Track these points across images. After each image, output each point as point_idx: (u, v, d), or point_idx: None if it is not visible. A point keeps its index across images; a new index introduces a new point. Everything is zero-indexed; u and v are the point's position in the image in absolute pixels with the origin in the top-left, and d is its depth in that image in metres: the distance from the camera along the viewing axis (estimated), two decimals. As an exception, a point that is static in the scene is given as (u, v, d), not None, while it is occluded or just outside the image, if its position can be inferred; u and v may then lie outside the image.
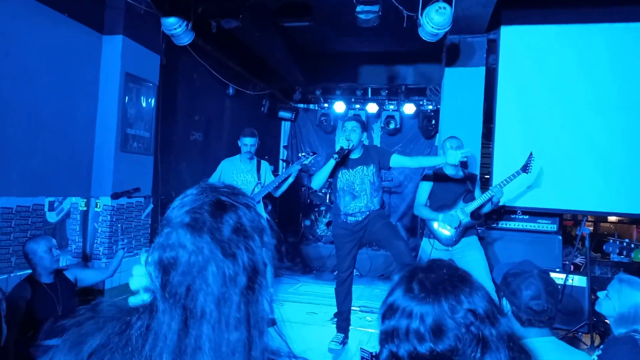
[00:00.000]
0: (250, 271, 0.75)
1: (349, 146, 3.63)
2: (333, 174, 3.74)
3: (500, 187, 3.77)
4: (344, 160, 3.71)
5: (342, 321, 3.91)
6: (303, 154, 4.42)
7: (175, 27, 4.26)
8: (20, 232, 3.48)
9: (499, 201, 3.81)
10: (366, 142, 3.89)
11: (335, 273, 4.11)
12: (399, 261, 3.82)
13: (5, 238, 3.31)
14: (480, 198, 3.83)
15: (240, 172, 4.52)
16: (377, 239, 4.00)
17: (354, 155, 3.78)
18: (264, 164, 4.60)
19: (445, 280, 0.85)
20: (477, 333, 0.80)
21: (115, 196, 4.01)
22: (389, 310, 0.88)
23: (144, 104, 4.50)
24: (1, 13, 3.21)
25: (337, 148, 3.66)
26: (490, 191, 3.80)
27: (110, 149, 4.14)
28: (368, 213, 3.82)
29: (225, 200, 0.79)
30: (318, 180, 3.76)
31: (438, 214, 3.88)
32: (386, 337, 0.86)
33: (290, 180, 4.43)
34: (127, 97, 4.24)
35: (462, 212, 3.83)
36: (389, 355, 0.86)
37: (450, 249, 3.95)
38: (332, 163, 3.65)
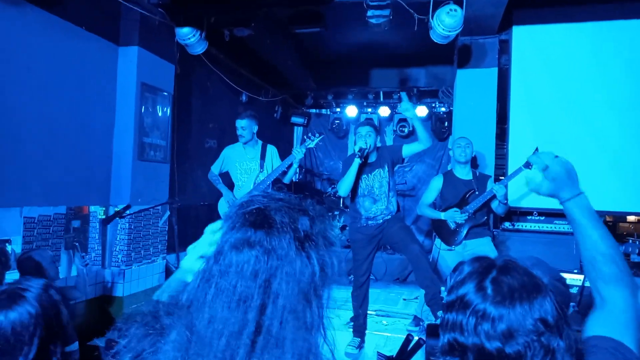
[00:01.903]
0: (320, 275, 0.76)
1: (367, 147, 3.63)
2: (356, 178, 3.71)
3: (501, 184, 3.77)
4: (362, 166, 3.71)
5: (359, 325, 3.92)
6: (308, 135, 4.19)
7: (189, 37, 4.33)
8: (42, 241, 3.56)
9: (505, 198, 3.79)
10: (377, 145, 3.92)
11: (351, 277, 4.11)
12: (415, 265, 3.83)
13: (28, 247, 3.39)
14: (480, 197, 3.85)
15: (243, 159, 4.40)
16: (393, 242, 4.01)
17: (370, 159, 3.81)
18: (270, 149, 4.42)
19: (522, 286, 0.86)
20: (546, 344, 0.82)
21: (106, 221, 3.90)
22: (459, 303, 0.89)
23: (159, 113, 4.57)
24: (21, 27, 3.31)
25: (357, 149, 3.65)
26: (491, 189, 3.82)
27: (128, 158, 4.21)
28: (390, 216, 3.85)
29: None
30: (345, 185, 3.72)
31: (440, 212, 3.94)
32: (453, 327, 0.88)
33: (295, 165, 4.23)
34: (143, 107, 4.32)
35: (461, 215, 3.86)
36: (450, 343, 0.88)
37: (454, 248, 3.98)
38: (357, 163, 3.62)
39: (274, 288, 0.71)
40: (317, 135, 4.17)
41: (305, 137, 4.25)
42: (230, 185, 4.59)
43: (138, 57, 4.23)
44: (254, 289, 0.70)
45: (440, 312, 3.32)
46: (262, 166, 4.34)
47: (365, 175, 3.79)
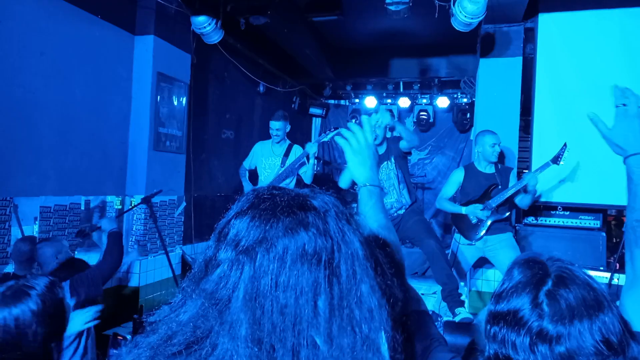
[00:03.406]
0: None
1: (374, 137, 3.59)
2: None
3: (534, 174, 3.63)
4: None
5: (454, 295, 3.84)
6: (325, 130, 4.28)
7: (204, 25, 4.28)
8: (59, 231, 3.58)
9: (535, 190, 3.65)
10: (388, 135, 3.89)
11: None
12: (431, 260, 3.75)
13: (45, 237, 3.41)
14: (506, 191, 3.72)
15: (269, 155, 4.51)
16: (410, 236, 3.94)
17: (379, 152, 3.76)
18: (295, 148, 4.48)
19: (581, 302, 0.77)
20: None
21: (145, 200, 3.76)
22: (511, 317, 0.81)
23: (175, 103, 4.55)
24: (36, 15, 3.30)
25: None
26: (523, 179, 3.67)
27: (144, 148, 4.20)
28: (404, 209, 3.77)
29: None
30: (345, 179, 3.67)
31: (461, 207, 3.83)
32: (503, 342, 0.81)
33: (312, 161, 4.25)
34: (159, 96, 4.30)
35: (483, 212, 3.75)
36: (501, 358, 0.81)
37: (475, 243, 3.87)
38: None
39: (335, 267, 0.65)
40: (332, 129, 4.18)
41: (322, 132, 4.34)
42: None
43: (154, 46, 4.20)
44: (319, 272, 0.64)
45: (460, 309, 3.22)
46: (283, 162, 4.40)
47: None
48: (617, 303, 1.92)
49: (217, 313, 0.64)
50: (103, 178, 3.99)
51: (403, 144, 3.78)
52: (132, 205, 4.05)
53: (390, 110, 3.82)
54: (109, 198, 4.17)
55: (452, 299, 3.71)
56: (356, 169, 1.18)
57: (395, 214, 3.79)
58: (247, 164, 4.67)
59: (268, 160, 4.50)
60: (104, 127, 3.96)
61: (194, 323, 0.65)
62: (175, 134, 4.58)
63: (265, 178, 4.47)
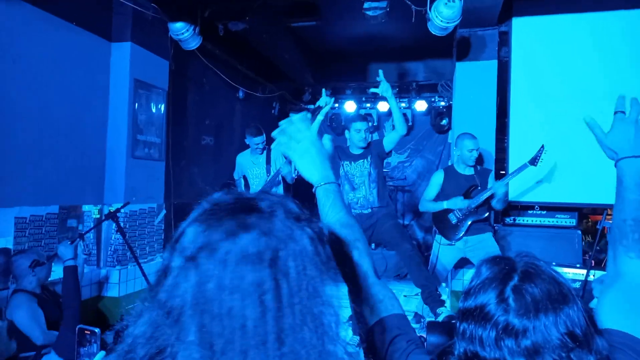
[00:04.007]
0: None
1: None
2: (337, 165, 3.89)
3: (502, 183, 3.72)
4: (348, 155, 3.97)
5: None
6: None
7: (182, 31, 4.25)
8: (35, 242, 3.50)
9: (505, 196, 3.75)
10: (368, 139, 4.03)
11: None
12: (407, 264, 3.81)
13: (20, 248, 3.33)
14: (482, 193, 3.80)
15: (251, 166, 4.76)
16: (385, 240, 4.03)
17: (358, 151, 3.96)
18: (274, 151, 4.67)
19: (546, 296, 0.78)
20: None
21: (110, 215, 3.56)
22: (478, 313, 0.81)
23: (154, 110, 4.50)
24: (10, 23, 3.23)
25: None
26: (491, 188, 3.76)
27: (122, 156, 4.15)
28: (371, 209, 3.85)
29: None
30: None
31: (442, 202, 3.90)
32: (471, 338, 0.81)
33: (286, 169, 4.53)
34: (137, 103, 4.25)
35: (464, 201, 3.86)
36: (468, 356, 0.81)
37: (455, 244, 3.94)
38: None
39: (280, 266, 0.64)
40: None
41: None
42: None
43: (131, 52, 4.15)
44: (263, 272, 0.63)
45: (441, 309, 3.26)
46: (268, 171, 4.66)
47: (348, 162, 3.97)
48: (594, 300, 1.97)
49: (171, 322, 0.64)
50: (81, 187, 3.92)
51: (393, 135, 3.90)
52: (95, 223, 3.91)
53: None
54: (86, 207, 4.09)
55: (433, 299, 3.75)
56: (306, 170, 1.10)
57: (360, 212, 3.89)
58: (236, 174, 4.95)
59: (253, 171, 4.75)
60: (81, 135, 3.89)
61: (151, 334, 0.65)
62: (154, 141, 4.53)
63: (256, 187, 4.70)
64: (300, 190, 5.50)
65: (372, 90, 3.62)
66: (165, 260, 0.70)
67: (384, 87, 3.67)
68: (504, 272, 0.83)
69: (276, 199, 0.73)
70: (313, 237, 0.69)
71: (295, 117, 1.13)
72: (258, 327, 0.61)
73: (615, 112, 1.16)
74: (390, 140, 3.91)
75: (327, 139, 1.28)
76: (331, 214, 1.09)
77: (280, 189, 4.65)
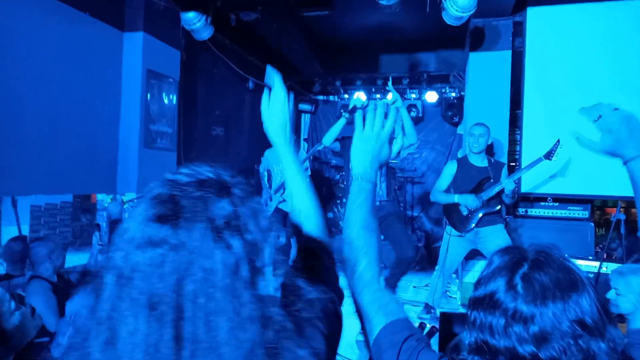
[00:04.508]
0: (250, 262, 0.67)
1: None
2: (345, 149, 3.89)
3: (511, 180, 3.70)
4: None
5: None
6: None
7: (194, 21, 4.24)
8: (50, 230, 3.54)
9: (513, 193, 3.73)
10: None
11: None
12: (400, 265, 3.92)
13: (35, 235, 3.36)
14: (495, 187, 3.78)
15: (278, 162, 4.83)
16: (392, 239, 4.07)
17: None
18: (301, 154, 5.03)
19: (555, 283, 0.78)
20: (585, 347, 0.75)
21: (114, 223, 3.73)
22: (487, 301, 0.82)
23: (165, 100, 4.51)
24: (22, 12, 3.24)
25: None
26: (500, 182, 3.75)
27: (135, 146, 4.16)
28: (380, 202, 3.93)
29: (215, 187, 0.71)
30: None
31: (454, 195, 3.89)
32: (481, 327, 0.81)
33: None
34: (149, 94, 4.25)
35: (475, 199, 3.82)
36: (479, 345, 0.81)
37: (465, 235, 3.93)
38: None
39: (189, 288, 0.62)
40: (320, 144, 4.61)
41: (306, 138, 4.94)
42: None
43: (143, 43, 4.15)
44: (165, 292, 0.61)
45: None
46: None
47: None
48: (612, 291, 1.95)
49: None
50: (94, 176, 3.94)
51: (398, 143, 3.85)
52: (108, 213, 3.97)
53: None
54: (99, 196, 4.12)
55: (394, 281, 3.94)
56: (356, 156, 1.11)
57: None
58: (262, 168, 5.19)
59: (279, 166, 4.93)
60: (94, 125, 3.90)
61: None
62: (165, 131, 4.54)
63: (279, 181, 4.98)
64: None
65: (383, 101, 3.65)
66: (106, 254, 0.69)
67: (394, 97, 3.69)
68: (514, 261, 0.83)
69: (204, 196, 0.68)
70: (232, 256, 0.65)
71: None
72: (151, 354, 0.60)
73: (594, 121, 1.12)
74: (396, 147, 3.94)
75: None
76: (357, 211, 1.09)
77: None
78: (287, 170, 1.09)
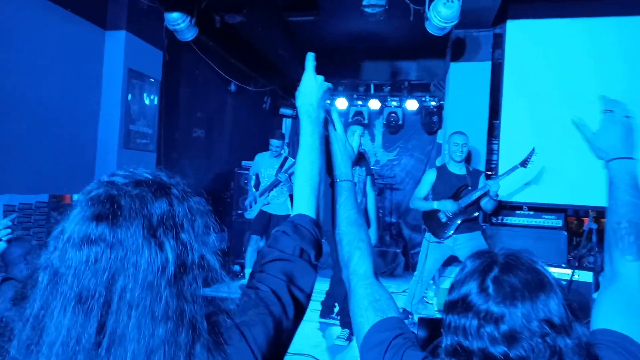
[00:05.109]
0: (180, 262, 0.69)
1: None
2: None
3: (496, 180, 3.78)
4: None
5: (346, 316, 3.92)
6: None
7: (178, 22, 4.21)
8: (23, 230, 3.44)
9: (497, 195, 3.81)
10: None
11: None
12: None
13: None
14: (474, 193, 3.86)
15: (267, 166, 5.12)
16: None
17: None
18: (290, 161, 5.07)
19: (524, 285, 0.81)
20: (552, 344, 0.77)
21: None
22: (461, 303, 0.84)
23: (146, 101, 4.45)
24: (4, 8, 3.16)
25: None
26: (485, 185, 3.82)
27: (114, 145, 4.10)
28: None
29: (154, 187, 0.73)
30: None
31: (432, 202, 3.95)
32: (455, 330, 0.83)
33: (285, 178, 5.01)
34: (130, 93, 4.20)
35: (454, 204, 3.88)
36: (454, 346, 0.83)
37: (444, 242, 3.99)
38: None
39: (119, 284, 0.65)
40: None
41: (292, 133, 5.10)
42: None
43: (125, 42, 4.10)
44: (96, 288, 0.65)
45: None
46: (277, 175, 5.06)
47: None
48: (593, 300, 2.01)
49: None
50: (72, 176, 3.86)
51: (359, 138, 4.08)
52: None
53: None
54: (75, 197, 4.03)
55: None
56: (334, 158, 1.16)
57: None
58: (251, 171, 5.31)
59: (267, 170, 5.10)
60: (73, 123, 3.83)
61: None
62: (145, 131, 4.48)
63: (265, 184, 5.13)
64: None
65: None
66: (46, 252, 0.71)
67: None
68: (485, 264, 0.86)
69: (141, 195, 0.71)
70: (162, 255, 0.68)
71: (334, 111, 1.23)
72: (72, 345, 0.63)
73: (605, 112, 1.18)
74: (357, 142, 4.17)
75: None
76: (342, 210, 1.12)
77: (280, 190, 5.08)
78: (303, 143, 1.10)
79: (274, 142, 5.06)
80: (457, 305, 0.85)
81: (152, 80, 4.50)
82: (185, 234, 0.71)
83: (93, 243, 0.66)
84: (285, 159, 5.13)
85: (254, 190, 5.23)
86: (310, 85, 1.15)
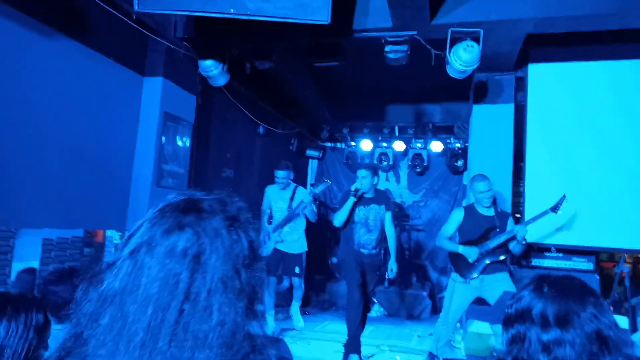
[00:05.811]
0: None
1: (362, 187, 4.16)
2: (353, 208, 4.24)
3: (524, 226, 3.75)
4: (360, 199, 4.24)
5: (355, 343, 4.16)
6: (320, 179, 5.15)
7: (212, 69, 4.45)
8: (59, 264, 3.59)
9: (524, 239, 3.77)
10: (377, 184, 4.41)
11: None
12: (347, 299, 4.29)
13: (45, 269, 3.42)
14: (501, 235, 3.82)
15: (277, 199, 5.07)
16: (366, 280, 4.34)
17: (368, 195, 4.28)
18: (300, 191, 5.05)
19: (575, 288, 0.96)
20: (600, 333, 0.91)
21: None
22: (521, 314, 0.98)
23: (179, 142, 4.67)
24: (51, 55, 3.45)
25: (353, 188, 4.17)
26: (512, 229, 3.79)
27: (147, 184, 4.28)
28: (375, 251, 4.35)
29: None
30: (340, 218, 4.27)
31: (458, 245, 3.93)
32: (515, 340, 0.97)
33: (311, 205, 4.97)
34: (164, 135, 4.42)
35: (480, 247, 3.84)
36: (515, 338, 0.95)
37: (470, 282, 3.94)
38: (351, 201, 4.17)
39: (202, 261, 0.74)
40: (324, 180, 5.03)
41: (313, 183, 5.21)
42: None
43: (162, 87, 4.36)
44: (183, 265, 0.73)
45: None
46: (290, 206, 4.99)
47: (362, 207, 4.27)
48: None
49: (96, 307, 0.74)
50: (105, 212, 4.04)
51: (386, 225, 4.42)
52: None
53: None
54: (109, 232, 4.20)
55: (352, 345, 4.16)
56: None
57: (367, 252, 4.29)
58: (264, 205, 5.23)
59: (278, 203, 5.06)
60: (109, 162, 4.04)
61: (90, 319, 0.74)
62: (177, 171, 4.67)
63: (276, 221, 5.07)
64: (315, 226, 5.63)
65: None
66: (117, 252, 0.80)
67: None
68: (539, 277, 1.03)
69: (218, 201, 0.83)
70: (240, 239, 0.79)
71: None
72: (161, 311, 0.71)
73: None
74: (386, 222, 4.39)
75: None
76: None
77: (299, 221, 5.05)
78: None
79: (279, 174, 4.93)
80: (518, 316, 1.01)
81: (185, 122, 4.74)
82: (250, 230, 0.83)
83: (183, 228, 0.76)
84: (295, 188, 5.03)
85: (267, 225, 5.12)
86: None
